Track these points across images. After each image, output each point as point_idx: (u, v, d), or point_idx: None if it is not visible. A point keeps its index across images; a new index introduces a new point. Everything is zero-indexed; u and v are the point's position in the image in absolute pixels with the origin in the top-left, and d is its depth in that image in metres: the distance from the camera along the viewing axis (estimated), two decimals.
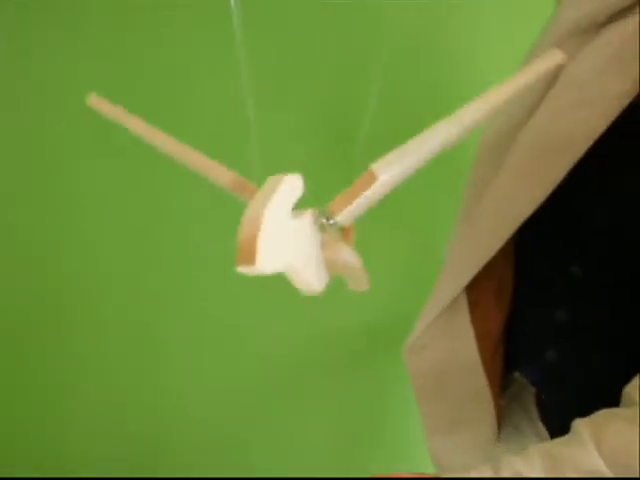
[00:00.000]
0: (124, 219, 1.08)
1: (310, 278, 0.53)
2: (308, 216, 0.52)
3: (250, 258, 0.42)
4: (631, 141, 0.71)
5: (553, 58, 0.60)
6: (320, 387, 1.21)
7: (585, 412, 0.77)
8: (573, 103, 0.71)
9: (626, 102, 0.67)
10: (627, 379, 0.67)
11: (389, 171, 0.53)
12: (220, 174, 0.56)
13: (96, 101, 0.60)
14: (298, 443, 1.23)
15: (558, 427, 0.84)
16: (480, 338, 0.85)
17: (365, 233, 0.62)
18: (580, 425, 0.62)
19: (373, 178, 0.52)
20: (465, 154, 0.85)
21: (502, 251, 0.80)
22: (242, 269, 0.43)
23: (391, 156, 0.54)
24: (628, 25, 0.69)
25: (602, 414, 0.63)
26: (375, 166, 0.53)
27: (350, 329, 1.18)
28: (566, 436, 0.63)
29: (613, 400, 0.66)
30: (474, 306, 0.85)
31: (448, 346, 0.86)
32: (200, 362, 1.14)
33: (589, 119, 0.69)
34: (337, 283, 1.04)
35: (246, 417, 1.18)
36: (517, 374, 0.89)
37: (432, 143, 0.55)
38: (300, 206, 0.50)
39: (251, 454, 1.20)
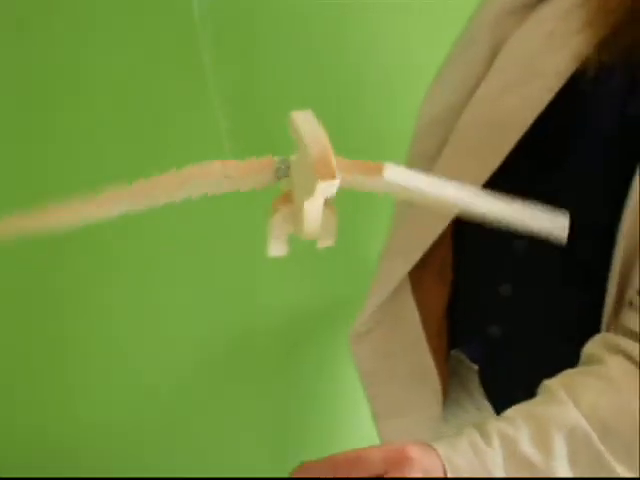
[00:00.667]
0: None
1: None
2: None
3: (331, 172, 0.45)
4: (572, 119, 0.73)
5: None
6: (254, 376, 1.19)
7: (529, 384, 0.79)
8: (514, 80, 0.72)
9: (565, 77, 0.69)
10: (570, 350, 0.70)
11: (395, 176, 0.52)
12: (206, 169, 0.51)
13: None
14: (228, 440, 1.21)
15: (503, 401, 0.86)
16: (424, 317, 0.86)
17: None
18: (553, 385, 0.63)
19: (379, 170, 0.51)
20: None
21: (443, 232, 0.81)
22: (324, 185, 0.45)
23: (407, 170, 0.54)
24: (561, 2, 0.71)
25: (571, 374, 0.65)
26: (388, 164, 0.52)
27: (283, 315, 1.17)
28: (541, 396, 0.64)
29: (557, 372, 0.67)
30: (417, 286, 0.86)
31: (393, 327, 0.86)
32: (121, 358, 1.10)
33: (531, 96, 0.71)
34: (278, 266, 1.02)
35: (170, 415, 1.15)
36: (455, 351, 0.91)
37: (445, 192, 0.56)
38: None
39: (174, 453, 1.17)
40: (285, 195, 0.53)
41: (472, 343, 0.88)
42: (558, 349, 0.74)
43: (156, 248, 1.03)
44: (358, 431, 1.26)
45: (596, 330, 0.72)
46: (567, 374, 0.65)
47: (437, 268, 0.86)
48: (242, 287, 1.09)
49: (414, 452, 0.55)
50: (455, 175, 0.74)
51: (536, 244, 0.75)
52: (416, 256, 0.80)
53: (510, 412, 0.62)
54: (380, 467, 0.54)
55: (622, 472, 0.60)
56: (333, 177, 0.45)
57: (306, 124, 0.48)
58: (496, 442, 0.58)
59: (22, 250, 0.93)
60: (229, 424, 1.18)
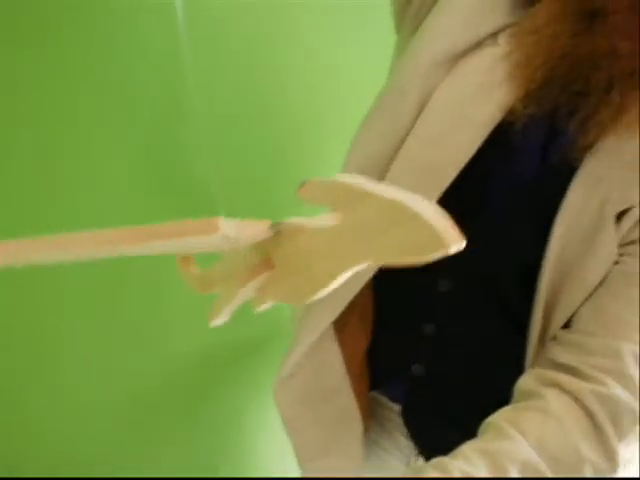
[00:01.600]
0: None
1: None
2: None
3: (460, 237, 0.45)
4: (497, 167, 0.77)
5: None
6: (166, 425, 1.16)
7: (452, 420, 0.81)
8: (442, 130, 0.75)
9: (490, 128, 0.73)
10: (493, 386, 0.73)
11: (231, 230, 0.49)
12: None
13: None
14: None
15: (426, 438, 0.89)
16: (347, 360, 0.86)
17: None
18: (499, 422, 0.66)
19: (215, 228, 0.47)
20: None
21: None
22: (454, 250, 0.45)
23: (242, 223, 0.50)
24: (486, 55, 0.75)
25: (512, 409, 0.69)
26: (222, 220, 0.48)
27: (198, 361, 1.15)
28: (490, 433, 0.66)
29: (480, 407, 0.70)
30: (340, 329, 0.86)
31: (317, 371, 0.86)
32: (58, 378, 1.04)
33: (458, 146, 0.74)
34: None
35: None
36: (374, 392, 0.92)
37: None
38: None
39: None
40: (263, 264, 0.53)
41: (394, 383, 0.89)
42: (481, 385, 0.76)
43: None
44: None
45: (518, 365, 0.76)
46: (508, 410, 0.69)
47: (359, 311, 0.87)
48: (155, 332, 1.07)
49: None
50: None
51: (459, 283, 0.79)
52: (342, 305, 0.80)
53: (464, 450, 0.64)
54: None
55: None
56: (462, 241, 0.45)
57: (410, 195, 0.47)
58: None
59: None
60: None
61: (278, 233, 0.51)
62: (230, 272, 0.56)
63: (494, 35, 0.75)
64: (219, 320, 0.58)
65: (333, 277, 0.51)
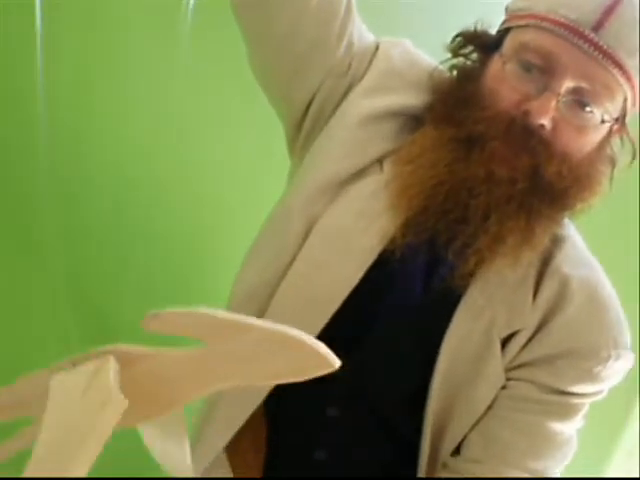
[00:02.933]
0: None
1: None
2: None
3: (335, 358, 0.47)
4: (381, 293, 0.77)
5: None
6: None
7: None
8: (327, 258, 0.76)
9: (374, 256, 0.74)
10: None
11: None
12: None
13: None
14: None
15: None
16: None
17: None
18: None
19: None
20: None
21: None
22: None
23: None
24: (371, 182, 0.77)
25: None
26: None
27: None
28: None
29: None
30: (232, 453, 0.84)
31: None
32: None
33: (342, 273, 0.75)
34: None
35: None
36: None
37: None
38: None
39: None
40: None
41: None
42: None
43: None
44: None
45: None
46: None
47: (251, 436, 0.85)
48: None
49: None
50: None
51: (347, 409, 0.78)
52: (233, 430, 0.79)
53: None
54: None
55: None
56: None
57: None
58: None
59: None
60: None
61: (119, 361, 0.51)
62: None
63: (379, 161, 0.78)
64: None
65: (185, 400, 0.52)
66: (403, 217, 0.73)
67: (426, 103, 0.78)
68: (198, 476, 0.80)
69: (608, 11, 0.69)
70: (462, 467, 0.74)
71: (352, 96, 0.79)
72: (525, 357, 0.76)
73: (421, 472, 0.76)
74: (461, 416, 0.75)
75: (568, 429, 0.76)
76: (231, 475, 0.83)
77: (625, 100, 0.73)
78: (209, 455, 0.81)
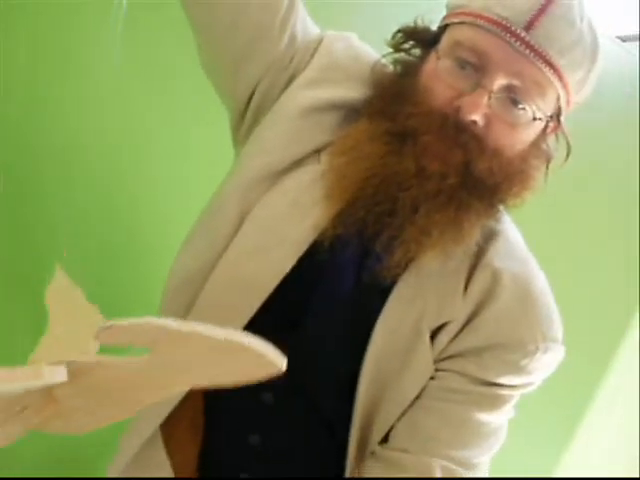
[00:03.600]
0: None
1: None
2: None
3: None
4: (312, 284, 0.79)
5: None
6: None
7: None
8: (259, 246, 0.77)
9: (305, 246, 0.76)
10: None
11: (54, 376, 0.50)
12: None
13: None
14: None
15: None
16: (176, 470, 0.85)
17: None
18: None
19: (39, 375, 0.49)
20: None
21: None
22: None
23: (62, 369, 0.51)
24: (307, 173, 0.78)
25: None
26: (45, 368, 0.50)
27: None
28: None
29: None
30: (169, 440, 0.85)
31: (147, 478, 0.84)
32: None
33: (273, 262, 0.76)
34: None
35: None
36: None
37: None
38: None
39: None
40: None
41: None
42: None
43: None
44: None
45: (339, 474, 0.78)
46: None
47: (188, 422, 0.86)
48: None
49: None
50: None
51: (281, 396, 0.80)
52: (167, 410, 0.80)
53: None
54: None
55: None
56: None
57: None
58: None
59: None
60: None
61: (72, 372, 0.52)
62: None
63: (318, 152, 0.79)
64: None
65: (141, 404, 0.53)
66: (336, 208, 0.75)
67: (365, 97, 0.80)
68: (134, 453, 0.83)
69: (540, 11, 0.71)
70: (388, 455, 0.76)
71: (293, 87, 0.80)
72: (454, 349, 0.77)
73: (350, 459, 0.78)
74: (389, 405, 0.77)
75: (496, 419, 0.78)
76: (165, 458, 0.84)
77: (558, 98, 0.75)
78: (145, 432, 0.82)
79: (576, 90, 0.76)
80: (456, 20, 0.75)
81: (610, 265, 1.78)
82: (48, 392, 0.53)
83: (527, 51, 0.71)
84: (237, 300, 0.76)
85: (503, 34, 0.71)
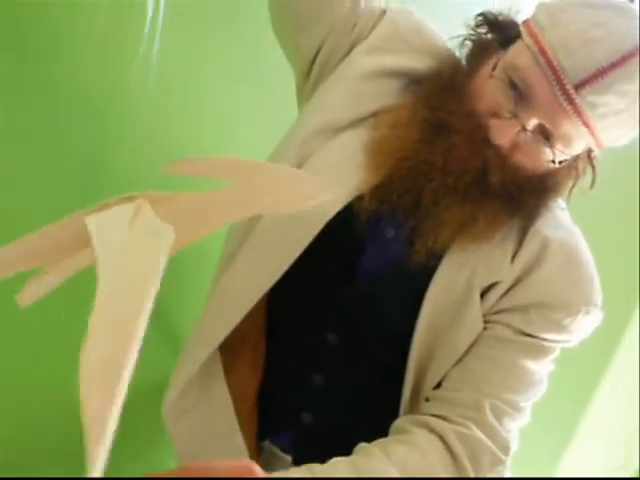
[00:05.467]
0: None
1: None
2: None
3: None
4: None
5: None
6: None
7: None
8: None
9: (357, 192, 0.81)
10: (374, 435, 0.79)
11: None
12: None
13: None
14: None
15: None
16: (236, 403, 0.90)
17: None
18: (368, 445, 0.75)
19: None
20: None
21: (256, 318, 0.88)
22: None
23: None
24: (361, 135, 0.84)
25: (382, 440, 0.77)
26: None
27: None
28: (358, 453, 0.74)
29: None
30: (229, 372, 0.90)
31: (207, 411, 0.89)
32: None
33: (328, 202, 0.78)
34: None
35: None
36: (268, 443, 0.95)
37: None
38: None
39: None
40: None
41: (284, 432, 0.93)
42: (365, 435, 0.81)
43: None
44: None
45: (394, 418, 0.83)
46: (379, 440, 0.76)
47: (250, 355, 0.92)
48: (41, 368, 1.05)
49: (258, 470, 0.63)
50: (255, 269, 0.83)
51: (345, 338, 0.86)
52: (220, 336, 0.84)
53: (332, 461, 0.71)
54: (226, 477, 0.61)
55: None
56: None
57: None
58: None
59: None
60: None
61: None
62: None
63: (374, 115, 0.84)
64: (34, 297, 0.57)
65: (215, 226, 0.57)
66: (375, 180, 0.80)
67: (427, 68, 0.85)
68: (192, 374, 0.86)
69: (596, 74, 0.72)
70: (441, 394, 0.81)
71: (355, 53, 0.86)
72: (502, 305, 0.83)
73: (404, 405, 0.83)
74: (442, 356, 0.82)
75: (539, 369, 0.83)
76: (226, 390, 0.89)
77: (587, 146, 0.80)
78: (203, 352, 0.86)
79: (610, 143, 0.79)
80: (527, 40, 0.76)
81: (610, 264, 1.83)
82: None
83: (569, 107, 0.73)
84: (289, 235, 0.81)
85: (554, 83, 0.73)
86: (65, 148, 0.97)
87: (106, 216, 0.52)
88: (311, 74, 0.89)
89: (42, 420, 1.05)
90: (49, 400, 1.04)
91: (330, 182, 0.79)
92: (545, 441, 1.98)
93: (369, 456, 0.72)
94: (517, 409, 0.81)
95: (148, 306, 0.47)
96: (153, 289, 0.48)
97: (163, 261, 0.49)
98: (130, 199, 0.54)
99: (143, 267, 0.49)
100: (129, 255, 0.50)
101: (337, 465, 0.71)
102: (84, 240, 0.53)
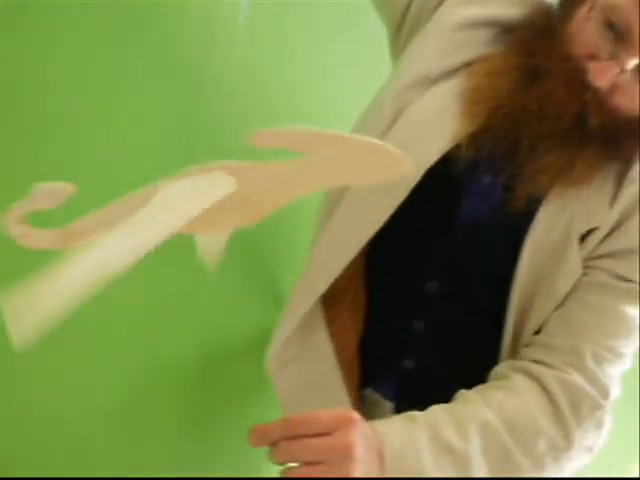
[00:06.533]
0: None
1: None
2: None
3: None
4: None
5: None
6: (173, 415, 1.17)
7: None
8: (406, 141, 0.83)
9: (453, 142, 0.82)
10: (474, 381, 0.81)
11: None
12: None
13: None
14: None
15: None
16: (338, 353, 0.92)
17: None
18: (467, 392, 0.76)
19: None
20: None
21: (356, 270, 0.91)
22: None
23: None
24: (455, 86, 0.85)
25: (482, 387, 0.78)
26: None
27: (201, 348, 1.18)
28: (457, 400, 0.76)
29: None
30: (331, 323, 0.93)
31: (309, 362, 0.92)
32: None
33: (424, 153, 0.82)
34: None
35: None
36: (370, 390, 0.96)
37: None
38: None
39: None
40: None
41: (386, 380, 0.95)
42: (465, 380, 0.82)
43: None
44: None
45: (494, 363, 0.84)
46: (479, 387, 0.78)
47: (350, 306, 0.94)
48: (154, 322, 1.10)
49: (359, 417, 0.65)
50: (356, 218, 0.86)
51: (445, 285, 0.87)
52: (322, 288, 0.87)
53: (432, 408, 0.73)
54: (328, 426, 0.63)
55: (526, 464, 0.72)
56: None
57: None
58: (422, 425, 0.70)
59: None
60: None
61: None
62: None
63: (470, 65, 0.85)
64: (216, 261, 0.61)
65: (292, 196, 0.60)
66: (470, 128, 0.81)
67: (518, 16, 0.85)
68: (294, 326, 0.89)
69: None
70: (541, 340, 0.82)
71: (446, 4, 0.87)
72: (601, 250, 0.82)
73: (504, 351, 0.84)
74: (542, 302, 0.82)
75: (637, 315, 0.82)
76: (329, 340, 0.91)
77: None
78: (305, 304, 0.88)
79: None
80: None
81: None
82: None
83: None
84: (389, 186, 0.80)
85: None
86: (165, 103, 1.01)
87: (179, 184, 0.54)
88: (403, 28, 0.91)
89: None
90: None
91: (427, 132, 0.83)
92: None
93: (467, 403, 0.74)
94: (617, 355, 0.80)
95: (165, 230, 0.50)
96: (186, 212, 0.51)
97: (210, 198, 0.52)
98: (209, 169, 0.56)
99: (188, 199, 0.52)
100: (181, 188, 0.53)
101: (436, 412, 0.72)
102: None
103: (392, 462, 0.66)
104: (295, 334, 0.91)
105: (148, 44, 0.97)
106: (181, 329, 1.12)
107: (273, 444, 0.63)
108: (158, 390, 1.13)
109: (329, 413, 0.65)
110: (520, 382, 0.76)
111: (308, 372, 0.92)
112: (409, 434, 0.69)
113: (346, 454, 0.63)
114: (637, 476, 2.15)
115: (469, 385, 0.79)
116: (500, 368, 0.82)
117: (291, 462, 0.64)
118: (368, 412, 0.96)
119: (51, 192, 0.53)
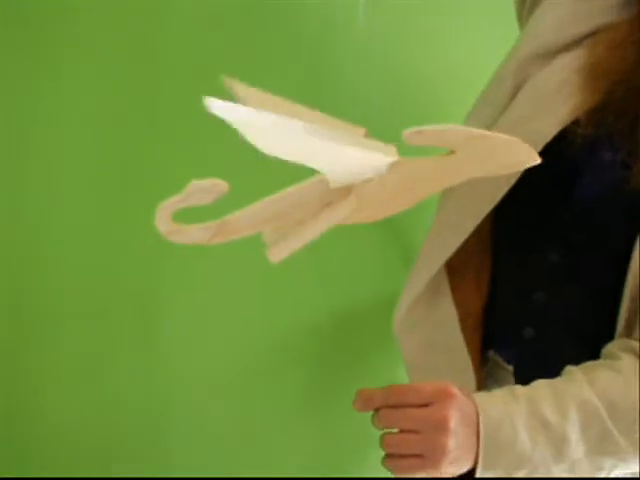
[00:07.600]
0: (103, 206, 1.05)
1: None
2: None
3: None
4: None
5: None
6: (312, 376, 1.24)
7: None
8: (527, 115, 0.83)
9: (572, 118, 0.80)
10: (588, 355, 0.80)
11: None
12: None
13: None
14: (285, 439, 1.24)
15: None
16: (462, 318, 0.95)
17: None
18: (573, 369, 0.76)
19: None
20: None
21: (480, 239, 0.92)
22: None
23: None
24: (578, 59, 0.82)
25: (589, 364, 0.77)
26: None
27: (341, 312, 1.23)
28: (562, 377, 0.76)
29: None
30: (456, 290, 0.95)
31: (434, 326, 0.95)
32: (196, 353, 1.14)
33: (543, 127, 0.81)
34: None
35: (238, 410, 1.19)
36: (492, 352, 0.99)
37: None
38: None
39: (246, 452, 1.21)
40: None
41: (507, 344, 0.96)
42: (584, 350, 0.83)
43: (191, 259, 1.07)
44: None
45: (610, 339, 0.82)
46: (587, 364, 0.77)
47: (474, 275, 0.96)
48: (281, 287, 1.15)
49: (457, 392, 0.68)
50: (477, 187, 0.83)
51: (567, 256, 0.86)
52: (446, 254, 0.89)
53: (535, 383, 0.74)
54: (427, 398, 0.67)
55: (625, 445, 0.71)
56: None
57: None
58: (522, 400, 0.71)
59: None
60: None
61: None
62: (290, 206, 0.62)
63: (594, 35, 0.82)
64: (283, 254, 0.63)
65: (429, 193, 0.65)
66: (589, 104, 0.79)
67: None
68: (420, 291, 0.92)
69: None
70: None
71: None
72: None
73: (619, 329, 0.82)
74: None
75: None
76: (453, 307, 0.94)
77: None
78: (431, 269, 0.91)
79: None
80: None
81: None
82: (348, 189, 0.62)
83: None
84: None
85: None
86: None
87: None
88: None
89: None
90: None
91: (545, 107, 0.82)
92: None
93: (570, 381, 0.74)
94: None
95: None
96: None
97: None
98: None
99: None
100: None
101: (538, 388, 0.73)
102: (326, 201, 0.61)
103: (487, 431, 0.68)
104: (421, 298, 0.93)
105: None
106: (311, 294, 1.19)
107: (376, 410, 0.68)
108: (288, 355, 1.19)
109: (430, 385, 0.68)
110: (629, 363, 0.75)
111: (432, 336, 0.95)
112: (507, 406, 0.70)
113: (441, 425, 0.66)
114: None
115: (585, 358, 0.79)
116: (611, 346, 0.80)
117: (390, 428, 0.68)
118: (490, 373, 0.99)
119: (209, 189, 0.56)
